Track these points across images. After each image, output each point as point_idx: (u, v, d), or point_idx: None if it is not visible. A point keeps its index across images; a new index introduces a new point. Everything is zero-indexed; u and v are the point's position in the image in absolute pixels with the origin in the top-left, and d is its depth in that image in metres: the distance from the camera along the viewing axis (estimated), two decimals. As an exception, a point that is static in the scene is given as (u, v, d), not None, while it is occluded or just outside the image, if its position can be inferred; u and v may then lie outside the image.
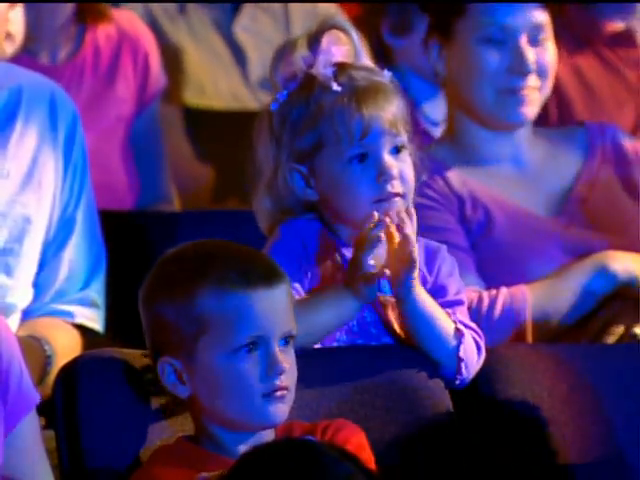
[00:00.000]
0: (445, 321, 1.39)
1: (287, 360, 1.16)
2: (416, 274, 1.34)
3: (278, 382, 1.15)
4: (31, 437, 1.20)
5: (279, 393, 1.15)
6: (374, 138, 1.38)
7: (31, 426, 1.20)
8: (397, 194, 1.38)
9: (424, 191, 1.77)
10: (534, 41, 1.82)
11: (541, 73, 1.83)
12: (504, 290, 1.75)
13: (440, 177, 1.85)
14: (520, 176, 1.93)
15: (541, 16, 1.82)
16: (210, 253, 1.21)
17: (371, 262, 1.32)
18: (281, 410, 1.16)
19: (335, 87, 1.37)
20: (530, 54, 1.80)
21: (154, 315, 1.19)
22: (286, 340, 1.17)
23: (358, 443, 1.21)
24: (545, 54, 1.83)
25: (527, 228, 1.87)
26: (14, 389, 1.16)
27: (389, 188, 1.38)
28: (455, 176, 1.87)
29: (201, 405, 1.18)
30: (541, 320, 1.77)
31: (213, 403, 1.16)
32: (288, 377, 1.16)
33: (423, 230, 1.71)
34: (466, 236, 1.83)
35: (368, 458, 1.18)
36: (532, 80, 1.82)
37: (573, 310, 1.78)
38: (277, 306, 1.17)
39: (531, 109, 1.85)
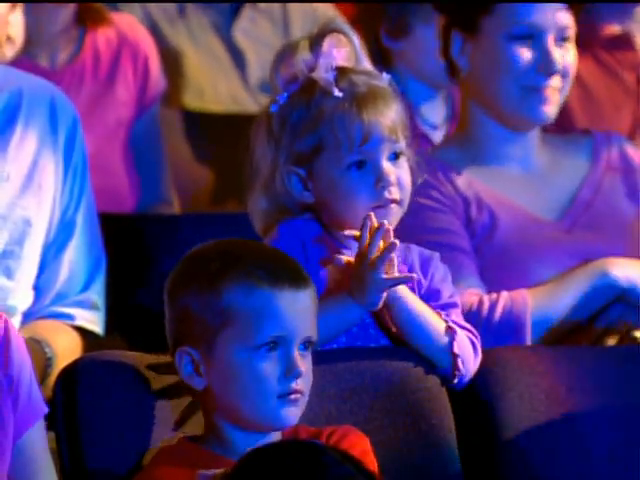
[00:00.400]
0: (434, 319, 1.40)
1: (304, 365, 1.17)
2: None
3: (294, 385, 1.15)
4: (39, 446, 1.20)
5: (294, 396, 1.16)
6: (374, 145, 1.38)
7: (39, 435, 1.21)
8: (394, 200, 1.39)
9: (430, 193, 1.78)
10: (559, 42, 1.84)
11: (564, 74, 1.85)
12: (505, 294, 1.75)
13: (446, 179, 1.86)
14: (527, 178, 1.94)
15: (566, 17, 1.84)
16: (241, 249, 1.22)
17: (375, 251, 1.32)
18: (293, 413, 1.17)
19: (336, 93, 1.38)
20: (557, 54, 1.82)
21: (179, 305, 1.18)
22: (306, 345, 1.18)
23: (362, 449, 1.21)
24: (568, 56, 1.85)
25: (531, 231, 1.88)
26: (24, 397, 1.16)
27: (386, 195, 1.39)
28: (461, 178, 1.88)
29: (214, 399, 1.18)
30: (541, 324, 1.77)
31: (227, 398, 1.16)
32: (304, 382, 1.17)
33: (428, 232, 1.73)
34: (470, 239, 1.84)
35: (372, 465, 1.18)
36: (556, 80, 1.83)
37: (573, 315, 1.78)
38: (302, 309, 1.18)
39: (552, 109, 1.86)
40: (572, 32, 1.85)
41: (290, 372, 1.15)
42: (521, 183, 1.92)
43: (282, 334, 1.15)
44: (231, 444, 1.18)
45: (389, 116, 1.39)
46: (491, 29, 1.83)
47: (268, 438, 1.15)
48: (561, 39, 1.83)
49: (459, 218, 1.83)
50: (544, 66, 1.81)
